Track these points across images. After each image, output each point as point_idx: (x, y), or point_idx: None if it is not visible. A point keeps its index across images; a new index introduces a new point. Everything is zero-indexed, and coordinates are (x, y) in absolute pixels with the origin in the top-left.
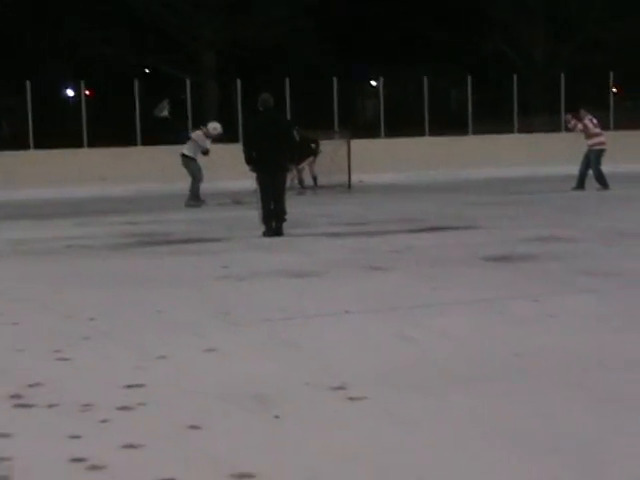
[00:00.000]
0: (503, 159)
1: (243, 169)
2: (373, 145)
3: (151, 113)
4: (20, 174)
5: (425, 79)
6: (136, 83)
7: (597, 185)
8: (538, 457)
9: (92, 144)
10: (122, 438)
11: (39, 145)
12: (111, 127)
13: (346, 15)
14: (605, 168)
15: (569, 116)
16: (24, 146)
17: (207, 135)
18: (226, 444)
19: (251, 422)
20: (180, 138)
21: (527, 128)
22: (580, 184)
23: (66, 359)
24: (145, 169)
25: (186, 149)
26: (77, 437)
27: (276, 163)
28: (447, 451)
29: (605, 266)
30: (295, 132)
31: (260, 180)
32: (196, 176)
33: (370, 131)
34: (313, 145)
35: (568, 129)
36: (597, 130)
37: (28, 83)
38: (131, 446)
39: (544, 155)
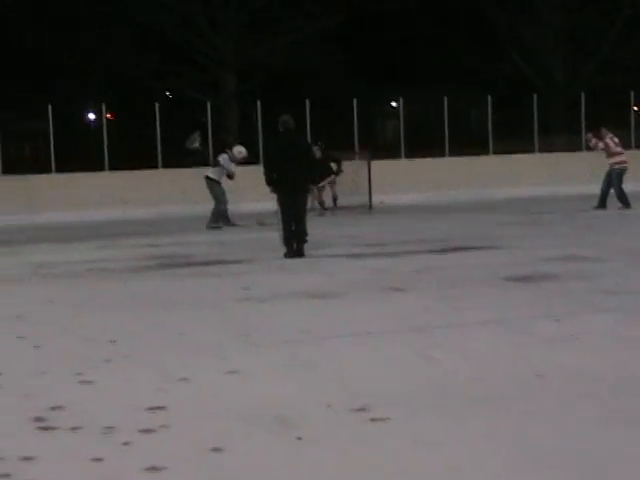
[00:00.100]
0: (524, 179)
1: (264, 190)
2: (394, 166)
3: (172, 136)
4: (42, 197)
5: (445, 99)
6: (157, 106)
7: (619, 204)
8: (559, 478)
9: (113, 167)
10: (144, 460)
11: (61, 168)
12: (132, 150)
13: (366, 37)
14: (627, 187)
15: (590, 135)
16: (46, 169)
17: (232, 159)
18: (248, 466)
19: (273, 444)
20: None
21: (548, 147)
22: (602, 203)
23: (88, 382)
24: (166, 192)
25: (211, 172)
26: (100, 460)
27: (297, 184)
28: (469, 472)
29: (627, 285)
30: (317, 149)
31: (281, 201)
32: (220, 199)
33: (390, 152)
34: (335, 164)
35: (589, 148)
36: (618, 149)
37: (50, 107)
38: (154, 468)
39: (565, 174)
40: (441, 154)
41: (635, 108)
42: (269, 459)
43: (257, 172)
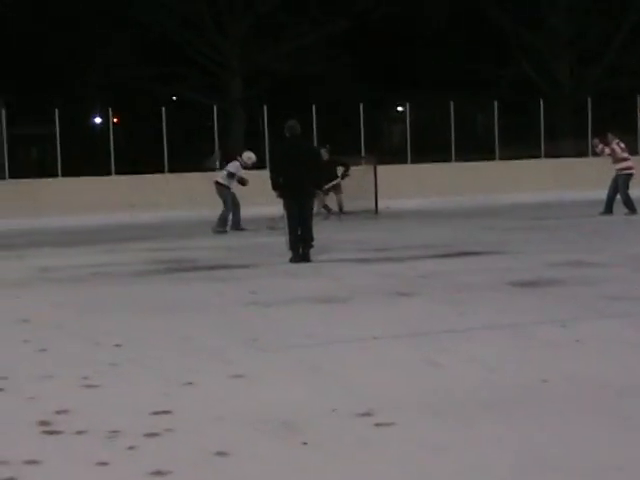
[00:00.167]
0: (530, 184)
1: (270, 195)
2: (400, 171)
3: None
4: (48, 201)
5: (451, 104)
6: (163, 110)
7: (625, 210)
8: None
9: (120, 171)
10: (150, 465)
11: (67, 172)
12: (138, 154)
13: (372, 42)
14: (633, 193)
15: (597, 140)
16: (52, 174)
17: (243, 165)
18: (253, 471)
19: (278, 448)
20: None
21: (554, 153)
22: (608, 209)
23: (93, 386)
24: (172, 196)
25: (221, 177)
26: (105, 464)
27: (303, 189)
28: (474, 477)
29: (633, 291)
30: (324, 152)
31: (287, 206)
32: (229, 204)
33: (397, 157)
34: (342, 168)
35: (595, 153)
36: (625, 154)
37: (56, 111)
38: (159, 472)
39: (571, 180)
40: (447, 159)
41: None
42: (274, 464)
43: (263, 177)
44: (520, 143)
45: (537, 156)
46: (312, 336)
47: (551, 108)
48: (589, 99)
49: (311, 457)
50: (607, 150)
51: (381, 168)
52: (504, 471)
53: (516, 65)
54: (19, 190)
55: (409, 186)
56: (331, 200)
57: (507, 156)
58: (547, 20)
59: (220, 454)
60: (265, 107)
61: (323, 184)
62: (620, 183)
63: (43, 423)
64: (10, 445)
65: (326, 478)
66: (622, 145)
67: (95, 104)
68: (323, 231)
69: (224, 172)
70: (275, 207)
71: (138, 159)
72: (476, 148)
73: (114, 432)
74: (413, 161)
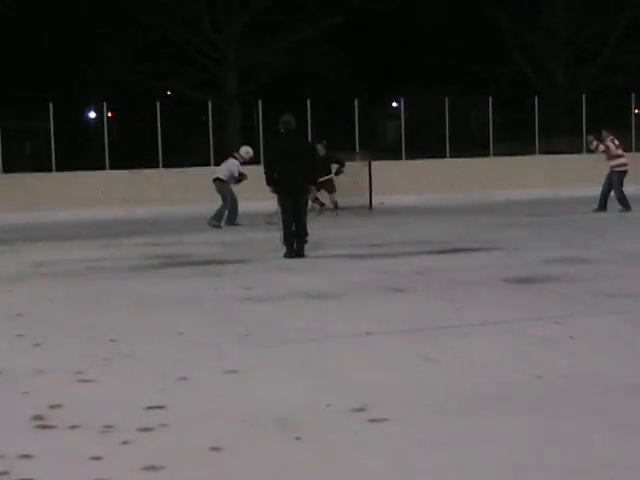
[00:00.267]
0: (524, 181)
1: (265, 190)
2: (394, 167)
3: (172, 135)
4: (42, 196)
5: (446, 101)
6: (158, 105)
7: (619, 207)
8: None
9: (114, 166)
10: (143, 459)
11: (61, 167)
12: (133, 149)
13: (368, 38)
14: (627, 190)
15: (591, 137)
16: (46, 168)
17: (241, 161)
18: (247, 466)
19: (272, 444)
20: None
21: (548, 150)
22: (602, 205)
23: (87, 380)
24: (167, 191)
25: (222, 174)
26: (98, 458)
27: (297, 185)
28: (467, 474)
29: (627, 288)
30: (321, 147)
31: (281, 201)
32: (228, 200)
33: (391, 153)
34: (337, 165)
35: (590, 150)
36: (619, 152)
37: (51, 105)
38: (152, 467)
39: (566, 177)
40: (442, 155)
41: (636, 111)
42: (268, 459)
43: (258, 172)
44: (515, 140)
45: (532, 153)
46: (306, 331)
47: (546, 105)
48: (584, 96)
49: (305, 452)
50: (601, 147)
51: (376, 164)
52: (498, 467)
53: (512, 62)
54: (13, 184)
55: (404, 182)
56: (324, 198)
57: (502, 153)
58: (543, 17)
59: (214, 449)
60: (260, 102)
61: (318, 180)
62: (614, 180)
63: (37, 417)
64: (4, 439)
65: (320, 473)
66: (616, 142)
67: (90, 99)
68: (317, 227)
69: (224, 171)
70: (270, 202)
71: (132, 154)
72: (471, 145)
73: (108, 427)
74: (408, 157)
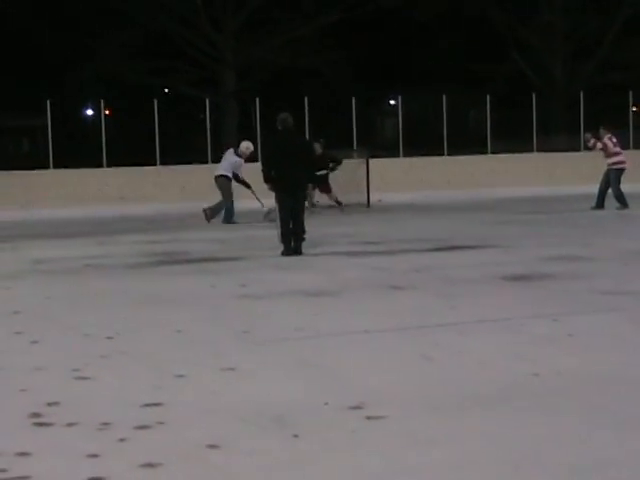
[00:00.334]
0: (522, 178)
1: (262, 188)
2: (392, 164)
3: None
4: (40, 193)
5: (444, 98)
6: (155, 103)
7: (617, 204)
8: (554, 477)
9: (111, 163)
10: (140, 457)
11: (58, 164)
12: (130, 146)
13: (365, 36)
14: (625, 187)
15: (589, 135)
16: (44, 165)
17: (242, 157)
18: (244, 463)
19: (269, 441)
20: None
21: (546, 147)
22: (600, 203)
23: (85, 378)
24: (164, 188)
25: (226, 170)
26: (95, 456)
27: (295, 182)
28: (464, 472)
29: (624, 285)
30: (318, 146)
31: (279, 199)
32: (227, 197)
33: (389, 150)
34: (332, 164)
35: (588, 148)
36: (617, 149)
37: (48, 102)
38: (149, 465)
39: (563, 174)
40: (439, 153)
41: (634, 108)
42: (265, 456)
43: (256, 170)
44: (513, 137)
45: (530, 150)
46: (303, 329)
47: (544, 103)
48: (582, 94)
49: (302, 450)
50: (599, 145)
51: (373, 161)
52: (495, 465)
53: (509, 59)
54: (10, 182)
55: (401, 180)
56: (321, 198)
57: (499, 150)
58: (541, 14)
59: (211, 447)
60: (257, 100)
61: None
62: (612, 178)
63: (34, 415)
64: (1, 437)
65: (317, 471)
66: (614, 140)
67: (87, 96)
68: (315, 224)
69: (227, 167)
70: (266, 200)
71: (130, 151)
72: (468, 142)
73: (105, 424)
74: (405, 155)
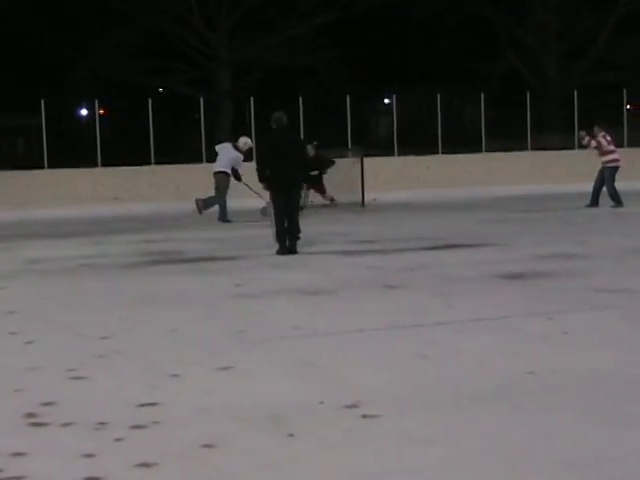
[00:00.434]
0: (517, 177)
1: (257, 187)
2: (386, 163)
3: (164, 132)
4: (34, 193)
5: (439, 97)
6: (150, 102)
7: (611, 202)
8: (553, 477)
9: (106, 163)
10: (136, 457)
11: (53, 164)
12: (125, 146)
13: (360, 34)
14: (619, 185)
15: (583, 133)
16: (38, 165)
17: (242, 152)
18: (240, 463)
19: (265, 440)
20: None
21: (541, 145)
22: (594, 201)
23: (80, 378)
24: (159, 188)
25: (225, 167)
26: (91, 456)
27: (290, 181)
28: (461, 470)
29: (620, 283)
30: (311, 148)
31: (274, 198)
32: (221, 193)
33: (383, 149)
34: (324, 169)
35: (582, 146)
36: (611, 147)
37: (42, 102)
38: (145, 465)
39: (558, 172)
40: (434, 152)
41: (628, 106)
42: (261, 455)
43: (250, 169)
44: (507, 136)
45: (524, 149)
46: (299, 328)
47: (538, 101)
48: (576, 92)
49: (298, 449)
50: (593, 143)
51: (368, 160)
52: (491, 464)
53: (504, 58)
54: (5, 182)
55: (396, 178)
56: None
57: (494, 149)
58: (536, 13)
59: (207, 446)
60: (252, 99)
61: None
62: (606, 176)
63: (30, 415)
64: None
65: (313, 470)
66: (608, 138)
67: (81, 96)
68: (310, 223)
69: (226, 163)
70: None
71: (124, 151)
72: (463, 141)
73: (101, 424)
74: (400, 153)
